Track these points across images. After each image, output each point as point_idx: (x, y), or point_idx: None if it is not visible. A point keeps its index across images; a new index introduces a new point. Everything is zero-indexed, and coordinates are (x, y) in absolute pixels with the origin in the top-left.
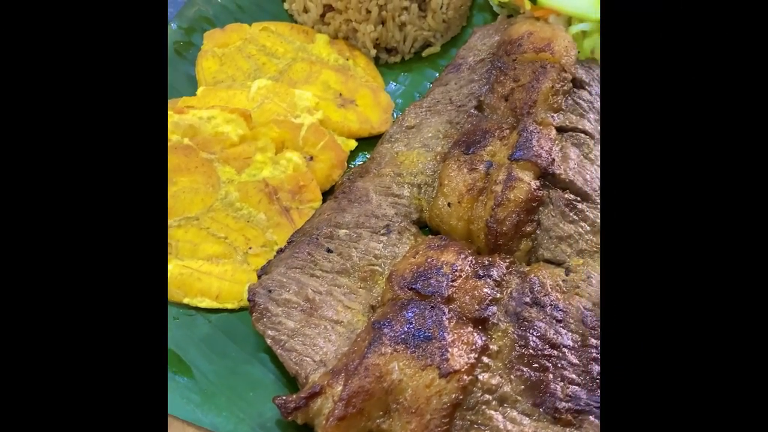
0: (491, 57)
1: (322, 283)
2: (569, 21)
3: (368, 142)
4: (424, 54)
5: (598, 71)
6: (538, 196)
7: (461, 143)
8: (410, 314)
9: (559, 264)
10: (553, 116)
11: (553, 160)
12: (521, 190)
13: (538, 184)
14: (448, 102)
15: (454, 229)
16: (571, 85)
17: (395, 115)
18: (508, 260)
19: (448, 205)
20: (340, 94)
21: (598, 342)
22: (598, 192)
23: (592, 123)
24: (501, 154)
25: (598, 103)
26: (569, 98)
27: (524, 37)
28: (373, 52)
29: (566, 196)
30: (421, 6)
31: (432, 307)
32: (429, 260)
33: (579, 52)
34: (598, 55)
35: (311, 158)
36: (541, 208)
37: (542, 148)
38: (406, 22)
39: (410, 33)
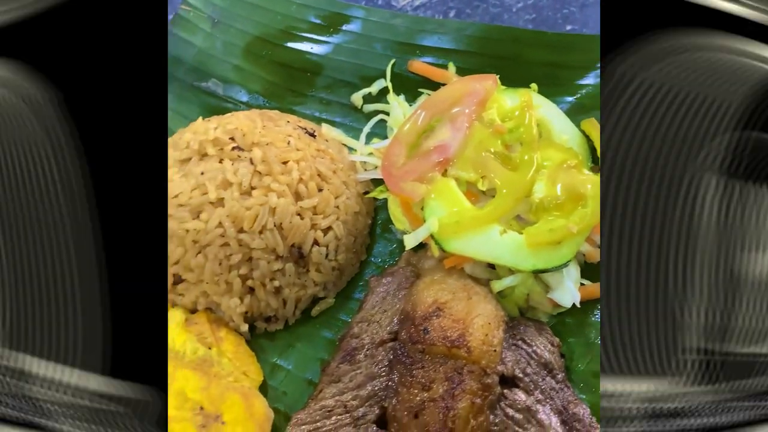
0: (392, 338)
1: None
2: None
3: None
4: (314, 312)
5: (538, 338)
6: None
7: None
8: None
9: None
10: None
11: None
12: None
13: None
14: (342, 410)
15: None
16: (498, 389)
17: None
18: None
19: None
20: (201, 408)
21: None
22: None
23: None
24: None
25: (540, 403)
26: (498, 411)
27: (431, 318)
28: (245, 327)
29: None
30: (298, 262)
31: None
32: None
33: (507, 318)
34: (535, 300)
35: None
36: None
37: None
38: (282, 286)
39: (290, 296)
